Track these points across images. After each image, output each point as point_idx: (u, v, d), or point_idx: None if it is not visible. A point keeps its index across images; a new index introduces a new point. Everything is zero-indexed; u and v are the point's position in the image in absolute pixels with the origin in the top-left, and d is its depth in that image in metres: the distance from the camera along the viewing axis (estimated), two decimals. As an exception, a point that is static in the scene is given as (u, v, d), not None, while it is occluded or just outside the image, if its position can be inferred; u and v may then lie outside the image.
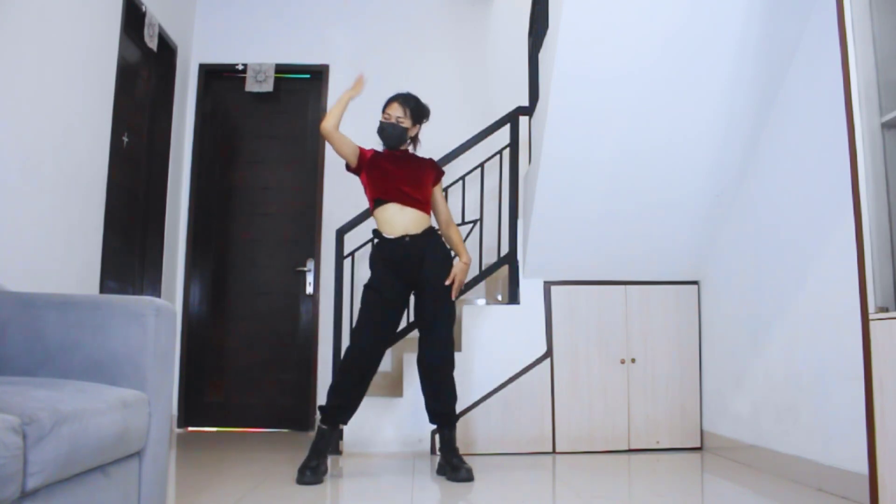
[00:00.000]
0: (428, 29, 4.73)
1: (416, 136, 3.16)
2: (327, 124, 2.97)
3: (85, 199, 3.23)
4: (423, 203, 3.04)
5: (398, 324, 3.05)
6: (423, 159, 3.16)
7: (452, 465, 2.89)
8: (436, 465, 3.16)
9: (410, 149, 3.17)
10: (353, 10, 4.70)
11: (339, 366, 2.98)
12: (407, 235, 2.96)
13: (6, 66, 2.62)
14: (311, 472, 2.77)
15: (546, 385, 3.57)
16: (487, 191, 3.94)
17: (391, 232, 2.98)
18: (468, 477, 2.82)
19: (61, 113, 3.02)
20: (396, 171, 3.02)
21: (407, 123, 3.05)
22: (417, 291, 3.02)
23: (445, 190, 3.77)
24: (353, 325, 3.10)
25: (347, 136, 3.05)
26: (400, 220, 2.98)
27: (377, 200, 3.03)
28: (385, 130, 3.04)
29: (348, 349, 2.93)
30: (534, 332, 3.61)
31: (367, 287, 3.00)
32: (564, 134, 3.15)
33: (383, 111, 3.07)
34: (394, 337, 3.20)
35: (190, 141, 4.53)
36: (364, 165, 3.07)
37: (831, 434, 2.55)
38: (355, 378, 2.90)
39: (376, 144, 3.16)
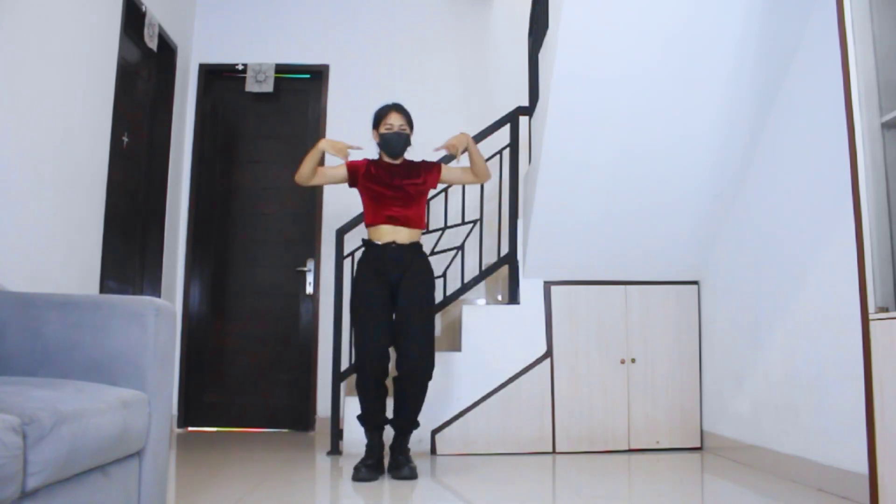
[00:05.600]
0: (428, 29, 4.73)
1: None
2: (298, 177, 3.07)
3: (85, 199, 3.23)
4: (415, 220, 3.04)
5: (391, 321, 3.02)
6: (418, 166, 3.10)
7: (397, 463, 2.91)
8: (435, 466, 3.17)
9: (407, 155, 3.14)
10: (353, 10, 4.70)
11: (356, 377, 2.99)
12: (394, 242, 2.98)
13: (6, 66, 2.62)
14: (367, 470, 2.83)
15: (546, 385, 3.57)
16: (487, 191, 3.93)
17: (380, 240, 3.00)
18: (410, 475, 2.85)
19: (61, 113, 3.02)
20: (388, 192, 3.01)
21: (409, 130, 3.06)
22: (396, 300, 3.00)
23: (446, 190, 3.78)
24: (353, 336, 3.10)
25: (323, 169, 3.10)
26: (389, 234, 3.00)
27: (373, 223, 3.03)
28: (390, 141, 3.01)
29: (357, 359, 2.96)
30: (534, 332, 3.61)
31: (353, 293, 3.03)
32: (564, 134, 3.15)
33: (381, 123, 3.04)
34: (392, 333, 3.16)
35: (190, 141, 4.53)
36: (359, 180, 3.07)
37: (831, 434, 2.55)
38: (372, 383, 2.92)
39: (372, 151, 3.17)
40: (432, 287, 3.06)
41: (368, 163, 3.10)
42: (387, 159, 3.08)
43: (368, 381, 2.91)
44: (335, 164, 3.14)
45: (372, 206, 3.03)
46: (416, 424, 3.02)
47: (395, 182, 3.02)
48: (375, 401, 2.96)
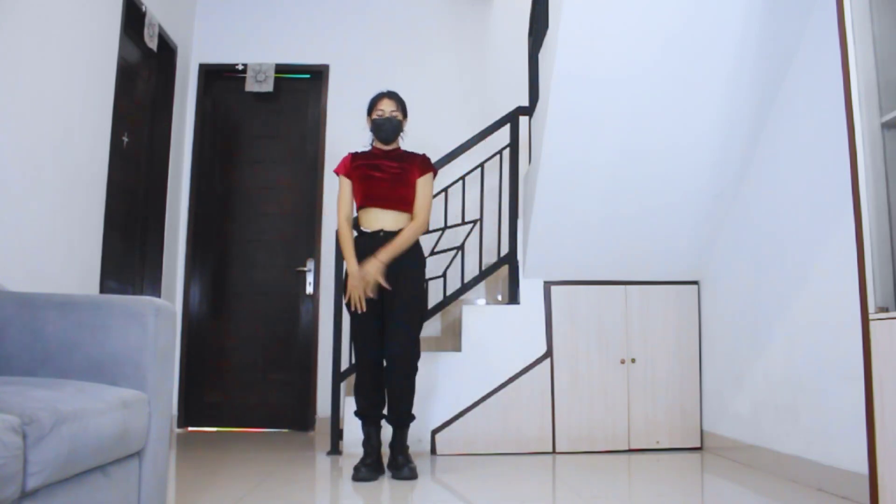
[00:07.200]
0: (428, 29, 4.73)
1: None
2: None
3: (85, 199, 3.23)
4: (405, 203, 3.04)
5: (382, 310, 3.02)
6: (412, 156, 3.12)
7: (397, 464, 2.92)
8: (435, 466, 3.17)
9: (400, 142, 3.15)
10: (353, 10, 4.70)
11: (355, 371, 3.02)
12: (382, 231, 2.99)
13: (6, 66, 2.62)
14: (367, 470, 2.84)
15: (546, 385, 3.57)
16: (487, 191, 3.94)
17: (369, 227, 3.03)
18: (410, 475, 2.85)
19: (61, 113, 3.02)
20: (378, 174, 3.03)
21: (400, 116, 3.08)
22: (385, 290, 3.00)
23: (446, 190, 3.78)
24: (350, 328, 3.10)
25: (340, 203, 3.11)
26: (379, 219, 3.01)
27: (361, 206, 3.06)
28: (382, 126, 3.05)
29: (355, 353, 2.99)
30: (534, 332, 3.61)
31: (345, 282, 3.02)
32: (564, 134, 3.15)
33: (373, 110, 3.08)
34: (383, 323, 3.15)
35: (190, 141, 4.53)
36: (350, 174, 3.09)
37: (831, 434, 2.55)
38: (371, 377, 2.95)
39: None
40: (421, 277, 3.05)
41: (353, 157, 3.12)
42: (379, 145, 3.11)
43: (363, 371, 2.94)
44: (342, 190, 3.15)
45: (360, 188, 3.05)
46: (411, 417, 3.01)
47: (383, 163, 3.05)
48: (372, 392, 2.96)
